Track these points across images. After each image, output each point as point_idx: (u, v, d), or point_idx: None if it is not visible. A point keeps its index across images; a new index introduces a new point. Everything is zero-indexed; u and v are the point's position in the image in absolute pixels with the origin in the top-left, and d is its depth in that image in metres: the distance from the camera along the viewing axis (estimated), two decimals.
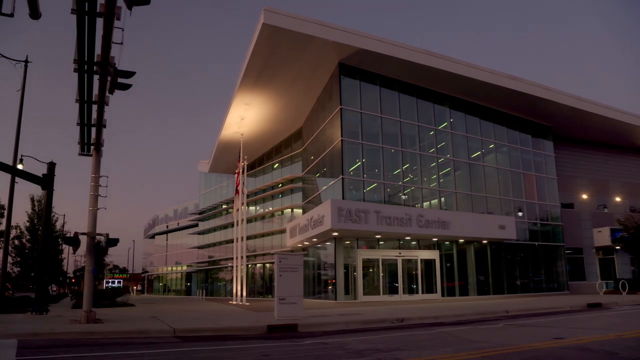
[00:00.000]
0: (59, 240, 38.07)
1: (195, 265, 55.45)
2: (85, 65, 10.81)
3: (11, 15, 9.53)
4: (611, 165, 37.19)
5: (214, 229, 48.81)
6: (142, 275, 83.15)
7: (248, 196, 34.51)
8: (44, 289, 20.12)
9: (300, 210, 33.50)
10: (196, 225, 54.37)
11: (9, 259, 29.66)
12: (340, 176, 24.66)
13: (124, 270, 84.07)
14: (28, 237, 34.00)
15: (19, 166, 18.62)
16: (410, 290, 25.87)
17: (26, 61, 19.82)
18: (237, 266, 27.97)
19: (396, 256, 25.80)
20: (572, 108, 30.28)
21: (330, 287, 25.76)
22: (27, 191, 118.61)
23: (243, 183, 27.28)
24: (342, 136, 24.92)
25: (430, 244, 27.01)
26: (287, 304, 14.04)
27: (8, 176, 20.79)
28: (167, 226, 67.52)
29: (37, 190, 37.72)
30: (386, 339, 9.58)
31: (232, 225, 33.47)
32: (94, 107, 12.93)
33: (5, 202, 22.63)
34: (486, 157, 30.18)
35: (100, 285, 50.04)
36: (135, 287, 74.68)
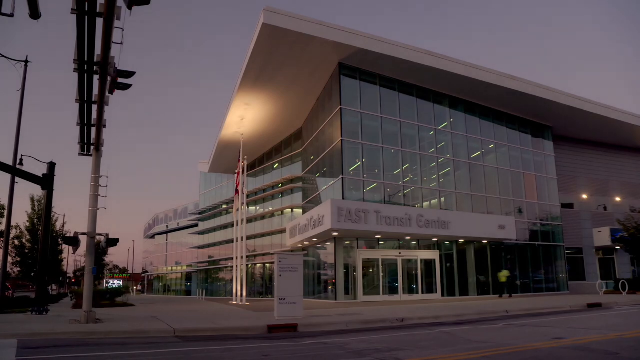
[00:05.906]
0: (59, 240, 38.10)
1: (195, 265, 55.46)
2: (85, 66, 10.80)
3: (11, 15, 9.52)
4: (611, 165, 37.19)
5: (214, 229, 48.81)
6: (142, 275, 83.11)
7: (248, 196, 34.51)
8: (44, 289, 20.10)
9: (300, 210, 33.50)
10: (196, 225, 54.37)
11: (9, 259, 29.72)
12: (340, 176, 24.66)
13: (124, 270, 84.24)
14: (28, 237, 34.09)
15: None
16: (410, 290, 25.87)
17: (26, 61, 19.81)
18: (237, 266, 27.97)
19: (396, 256, 25.80)
20: (572, 108, 30.29)
21: (330, 287, 25.76)
22: (27, 191, 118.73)
23: (243, 183, 27.30)
24: (342, 136, 24.92)
25: (430, 244, 27.02)
26: (287, 304, 14.04)
27: (8, 176, 20.82)
28: (167, 226, 67.48)
29: (37, 190, 37.79)
30: (386, 339, 9.58)
31: (232, 225, 33.45)
32: (94, 107, 12.92)
33: (5, 202, 22.69)
34: (486, 157, 30.18)
35: (100, 285, 50.02)
36: (135, 287, 74.73)
